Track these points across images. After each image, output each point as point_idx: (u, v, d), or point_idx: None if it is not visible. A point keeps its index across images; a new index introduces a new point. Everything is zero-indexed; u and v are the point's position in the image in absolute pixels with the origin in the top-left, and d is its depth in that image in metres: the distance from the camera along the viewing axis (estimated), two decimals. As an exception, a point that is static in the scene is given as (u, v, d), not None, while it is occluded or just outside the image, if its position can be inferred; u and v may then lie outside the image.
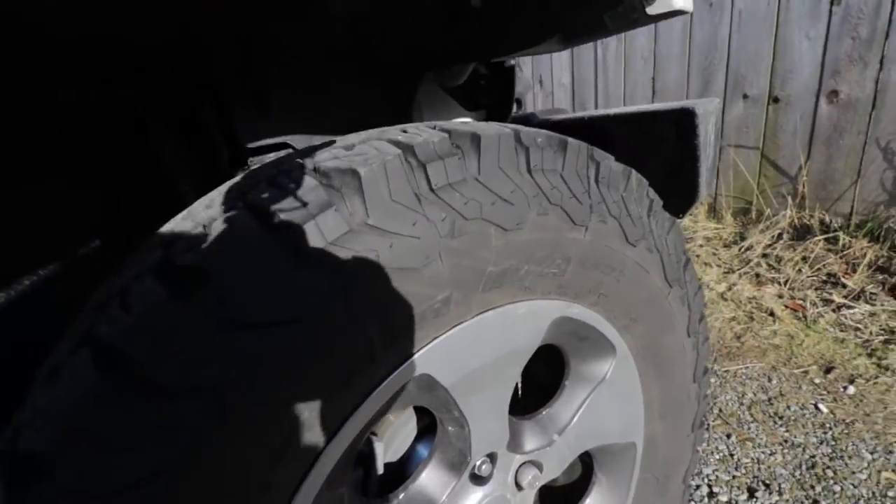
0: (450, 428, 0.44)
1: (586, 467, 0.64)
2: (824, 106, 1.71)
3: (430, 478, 0.45)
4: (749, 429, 1.08)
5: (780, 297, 1.59)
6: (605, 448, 0.59)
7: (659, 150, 0.70)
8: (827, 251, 1.70)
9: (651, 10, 0.58)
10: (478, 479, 0.48)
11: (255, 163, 0.68)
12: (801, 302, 1.53)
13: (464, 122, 0.43)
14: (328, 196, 0.29)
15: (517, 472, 0.52)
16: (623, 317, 0.52)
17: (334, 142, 0.41)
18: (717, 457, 1.02)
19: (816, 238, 1.73)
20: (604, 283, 0.48)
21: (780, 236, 1.85)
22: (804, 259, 1.70)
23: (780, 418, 1.10)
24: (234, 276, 0.26)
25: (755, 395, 1.18)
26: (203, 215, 0.30)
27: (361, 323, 0.30)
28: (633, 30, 0.62)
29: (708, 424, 1.11)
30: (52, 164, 0.57)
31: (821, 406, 1.12)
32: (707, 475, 0.98)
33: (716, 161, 0.70)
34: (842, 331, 1.37)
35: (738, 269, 1.79)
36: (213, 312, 0.25)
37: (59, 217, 0.59)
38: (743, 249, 1.89)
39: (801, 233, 1.82)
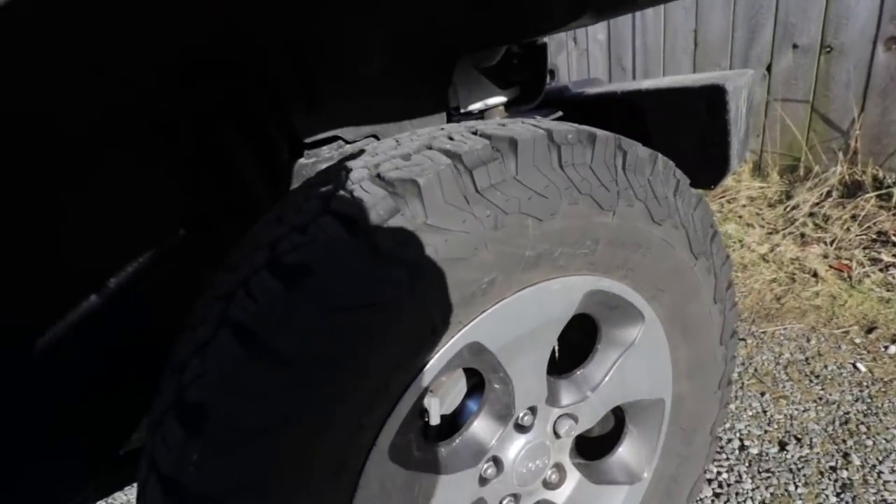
0: (496, 385, 0.52)
1: (619, 420, 0.71)
2: (881, 54, 1.60)
3: (480, 427, 0.53)
4: (784, 387, 1.12)
5: (826, 257, 1.56)
6: (635, 403, 0.66)
7: (690, 124, 0.72)
8: (879, 208, 1.64)
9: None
10: (521, 429, 0.56)
11: (311, 156, 0.75)
12: (847, 262, 1.50)
13: (502, 122, 0.48)
14: (395, 203, 0.36)
15: (555, 423, 0.59)
16: (650, 288, 0.57)
17: (391, 142, 0.48)
18: (750, 413, 1.07)
19: (868, 195, 1.66)
20: (631, 259, 0.53)
21: (828, 194, 1.79)
22: (853, 217, 1.65)
23: (817, 377, 1.13)
24: (329, 271, 0.33)
25: (792, 355, 1.21)
26: (295, 220, 0.38)
27: (425, 304, 0.38)
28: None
29: (742, 383, 1.15)
30: (148, 159, 0.66)
31: (859, 365, 1.13)
32: (739, 430, 1.03)
33: (749, 134, 0.70)
34: (888, 290, 1.35)
35: (783, 230, 1.76)
36: (315, 299, 0.33)
37: (156, 209, 0.69)
38: (788, 209, 1.84)
39: (851, 190, 1.75)
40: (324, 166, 0.67)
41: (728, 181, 2.16)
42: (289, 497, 0.36)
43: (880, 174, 1.71)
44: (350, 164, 0.44)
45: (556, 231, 0.44)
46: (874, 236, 1.58)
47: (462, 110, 0.94)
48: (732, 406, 1.10)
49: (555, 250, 0.46)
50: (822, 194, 1.80)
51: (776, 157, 2.01)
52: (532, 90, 1.00)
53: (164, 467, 0.34)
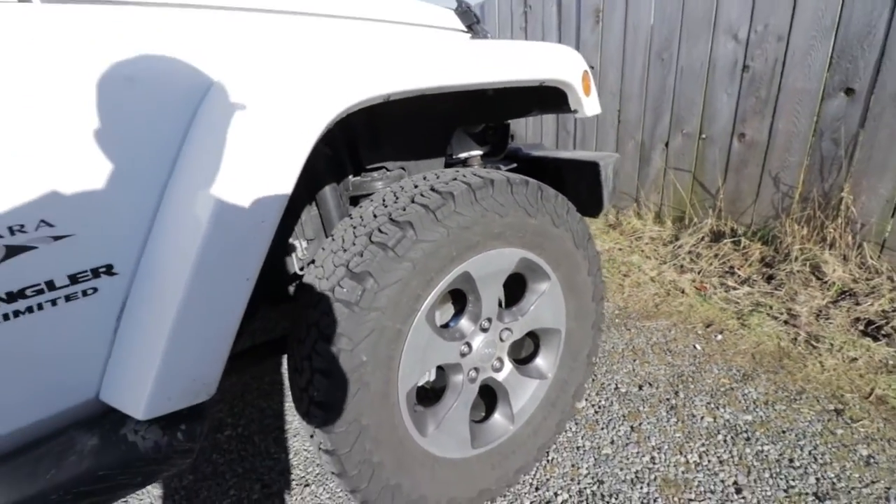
0: (472, 299, 1.02)
1: (536, 345, 1.23)
2: (736, 144, 2.32)
3: (464, 323, 1.03)
4: (647, 357, 1.69)
5: (693, 281, 2.20)
6: (545, 330, 1.18)
7: (583, 180, 1.29)
8: (733, 251, 2.32)
9: (581, 115, 1.16)
10: (483, 330, 1.06)
11: (367, 177, 1.24)
12: (705, 284, 2.14)
13: (488, 170, 1.00)
14: (403, 233, 0.85)
15: (500, 332, 1.10)
16: (553, 261, 1.10)
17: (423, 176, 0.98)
18: (624, 371, 1.62)
19: (726, 241, 2.34)
20: (544, 244, 1.06)
21: (702, 238, 2.47)
22: (716, 256, 2.32)
23: (670, 352, 1.71)
24: (378, 274, 0.82)
25: (657, 339, 1.79)
26: (355, 249, 0.86)
27: (451, 248, 0.88)
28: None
29: (623, 355, 1.71)
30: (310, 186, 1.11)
31: (696, 346, 1.73)
32: (616, 380, 1.58)
33: (615, 189, 1.24)
34: (727, 304, 1.98)
35: (670, 261, 2.41)
36: (369, 287, 0.82)
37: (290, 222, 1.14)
38: (675, 247, 2.50)
39: (717, 236, 2.44)
40: (370, 181, 1.16)
41: (637, 226, 2.83)
42: (380, 343, 0.83)
43: (736, 227, 2.40)
44: (375, 211, 0.92)
45: (507, 222, 0.96)
46: (727, 269, 2.24)
47: (454, 156, 1.47)
48: (614, 367, 1.65)
49: (506, 232, 0.97)
50: (698, 238, 2.48)
51: (670, 209, 2.70)
52: (499, 148, 1.55)
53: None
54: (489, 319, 1.06)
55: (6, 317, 0.64)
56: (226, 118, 0.71)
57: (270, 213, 0.71)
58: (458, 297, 1.11)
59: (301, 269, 1.19)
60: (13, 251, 0.63)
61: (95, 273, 0.70)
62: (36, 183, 0.63)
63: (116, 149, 0.68)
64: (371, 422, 0.85)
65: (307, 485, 1.26)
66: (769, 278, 2.09)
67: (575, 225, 1.12)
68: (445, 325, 1.07)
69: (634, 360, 1.67)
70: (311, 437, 0.87)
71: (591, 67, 2.90)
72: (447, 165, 1.43)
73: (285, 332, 1.07)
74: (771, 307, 1.87)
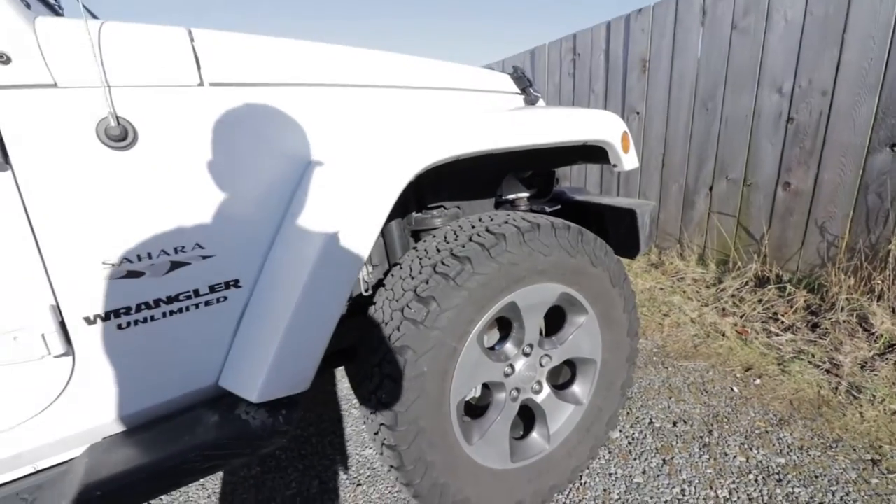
0: (517, 326, 1.17)
1: (573, 372, 1.34)
2: (780, 192, 2.37)
3: (509, 346, 1.17)
4: (684, 395, 1.74)
5: (735, 325, 2.23)
6: (582, 359, 1.30)
7: (622, 224, 1.42)
8: (778, 297, 2.33)
9: (620, 169, 1.31)
10: (525, 354, 1.20)
11: (428, 214, 1.42)
12: (747, 329, 2.16)
13: (535, 214, 1.16)
14: (462, 266, 1.01)
15: (540, 357, 1.23)
16: (591, 297, 1.23)
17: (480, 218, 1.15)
18: (660, 407, 1.68)
19: (771, 287, 2.36)
20: (582, 281, 1.20)
21: (746, 283, 2.49)
22: (759, 301, 2.33)
23: (706, 392, 1.76)
24: (440, 297, 0.98)
25: (694, 379, 1.84)
26: (421, 277, 1.03)
27: (503, 281, 1.03)
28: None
29: (659, 391, 1.77)
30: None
31: (734, 388, 1.77)
32: (651, 415, 1.65)
33: (652, 234, 1.36)
34: (767, 349, 2.00)
35: (712, 304, 2.44)
36: (433, 309, 0.98)
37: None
38: (718, 290, 2.53)
39: (761, 282, 2.45)
40: (430, 217, 1.34)
41: (680, 267, 2.87)
42: (438, 357, 0.99)
43: (781, 273, 2.41)
44: (438, 246, 1.09)
45: (551, 261, 1.11)
46: (770, 315, 2.25)
47: (503, 197, 1.64)
48: (649, 402, 1.71)
49: (549, 269, 1.12)
50: (742, 283, 2.50)
51: (714, 252, 2.73)
52: (544, 191, 1.70)
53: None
54: (531, 345, 1.20)
55: (164, 315, 0.86)
56: (333, 170, 0.91)
57: (365, 245, 0.90)
58: (504, 324, 1.25)
59: (366, 290, 1.38)
60: (176, 265, 0.85)
61: (227, 285, 0.91)
62: (196, 216, 0.85)
63: (250, 194, 0.90)
64: (427, 425, 1.00)
65: (359, 484, 1.41)
66: (814, 326, 2.09)
67: (612, 265, 1.25)
68: (492, 348, 1.22)
69: (670, 398, 1.73)
70: (376, 434, 1.03)
71: (637, 113, 3.04)
72: (497, 205, 1.61)
73: (341, 347, 1.24)
74: (813, 355, 1.88)
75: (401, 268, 1.09)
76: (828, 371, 1.78)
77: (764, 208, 2.45)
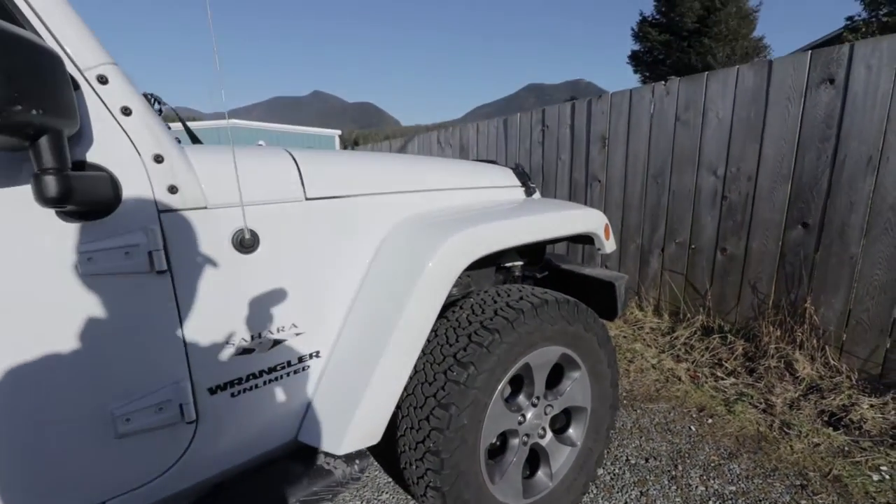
0: (527, 382, 1.43)
1: (568, 420, 1.60)
2: (719, 256, 2.82)
3: (521, 399, 1.42)
4: (651, 434, 2.04)
5: (688, 370, 2.59)
6: (576, 408, 1.57)
7: (602, 292, 1.74)
8: (720, 345, 2.73)
9: (602, 251, 1.64)
10: (534, 405, 1.45)
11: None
12: (698, 373, 2.53)
13: (543, 291, 1.45)
14: (507, 325, 1.29)
15: (545, 406, 1.49)
16: (584, 356, 1.52)
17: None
18: (633, 445, 1.97)
19: (715, 336, 2.76)
20: (578, 343, 1.48)
21: (695, 332, 2.89)
22: (707, 348, 2.72)
23: (670, 431, 2.07)
24: (477, 363, 1.25)
25: (659, 419, 2.16)
26: (487, 313, 1.30)
27: (521, 344, 1.30)
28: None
29: (631, 431, 2.06)
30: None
31: (692, 427, 2.09)
32: (627, 453, 1.93)
33: (627, 298, 1.70)
34: (716, 392, 2.36)
35: (668, 351, 2.81)
36: (471, 372, 1.24)
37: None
38: (672, 338, 2.92)
39: (707, 331, 2.86)
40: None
41: (639, 317, 3.26)
42: (475, 411, 1.23)
43: (723, 324, 2.83)
44: (469, 318, 1.36)
45: (556, 329, 1.39)
46: (716, 361, 2.64)
47: (502, 265, 1.93)
48: (625, 441, 2.00)
49: (554, 335, 1.40)
50: (691, 332, 2.90)
51: (667, 304, 3.15)
52: (536, 260, 2.01)
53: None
54: (538, 397, 1.46)
55: (264, 383, 1.06)
56: (404, 262, 1.17)
57: (429, 321, 1.15)
58: (516, 380, 1.51)
59: None
60: (276, 342, 1.06)
61: (310, 356, 1.12)
62: (295, 301, 1.07)
63: (332, 280, 1.14)
64: (465, 468, 1.22)
65: (384, 526, 1.58)
66: (751, 371, 2.48)
67: (599, 329, 1.55)
68: (506, 400, 1.47)
69: (641, 437, 2.02)
70: (420, 478, 1.24)
71: (599, 181, 3.49)
72: (497, 271, 1.89)
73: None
74: (752, 396, 2.25)
75: (436, 335, 1.33)
76: (764, 410, 2.15)
77: (706, 268, 2.89)
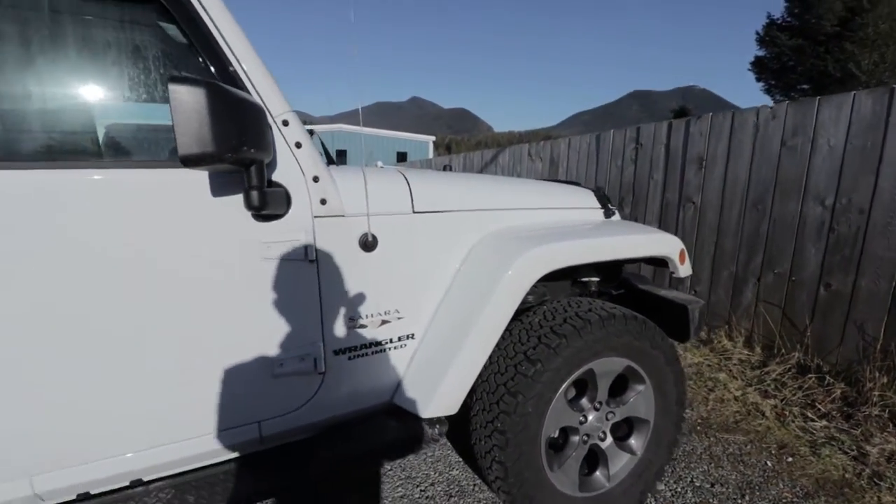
0: (591, 387, 1.57)
1: (630, 429, 1.71)
2: (822, 291, 2.66)
3: (584, 402, 1.58)
4: (722, 462, 2.04)
5: (775, 406, 2.49)
6: (639, 418, 1.67)
7: (676, 313, 1.82)
8: (816, 385, 2.57)
9: (677, 275, 1.74)
10: (596, 409, 1.59)
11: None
12: (785, 411, 2.42)
13: (612, 305, 1.59)
14: (574, 332, 1.45)
15: (606, 413, 1.62)
16: (649, 371, 1.62)
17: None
18: (700, 470, 2.00)
19: (811, 375, 2.61)
20: (643, 357, 1.60)
21: (789, 369, 2.74)
22: (800, 388, 2.58)
23: (742, 462, 2.05)
24: (545, 361, 1.43)
25: (733, 450, 2.13)
26: (556, 320, 1.48)
27: (589, 352, 1.46)
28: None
29: (700, 457, 2.08)
30: None
31: (768, 462, 2.05)
32: (692, 476, 1.96)
33: (700, 326, 1.75)
34: (802, 432, 2.26)
35: (755, 385, 2.70)
36: (538, 368, 1.42)
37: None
38: (762, 373, 2.79)
39: (802, 370, 2.70)
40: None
41: (727, 346, 3.15)
42: (539, 403, 1.42)
43: (822, 364, 2.66)
44: (540, 322, 1.53)
45: (621, 341, 1.52)
46: (809, 402, 2.50)
47: (578, 279, 2.07)
48: (692, 465, 2.03)
49: (620, 347, 1.53)
50: (784, 369, 2.75)
51: (760, 337, 3.01)
52: (612, 278, 2.13)
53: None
54: (600, 402, 1.60)
55: (372, 353, 1.35)
56: (489, 266, 1.40)
57: (505, 317, 1.37)
58: (580, 384, 1.66)
59: None
60: (384, 322, 1.35)
61: (408, 337, 1.40)
62: (401, 292, 1.35)
63: (430, 277, 1.40)
64: (526, 450, 1.41)
65: (451, 496, 1.82)
66: (847, 417, 2.32)
67: (667, 348, 1.65)
68: (570, 401, 1.63)
69: (710, 463, 2.04)
70: (488, 452, 1.45)
71: (693, 203, 3.44)
72: (573, 285, 2.04)
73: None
74: (843, 442, 2.13)
75: (510, 333, 1.54)
76: (855, 458, 2.03)
77: (807, 303, 2.73)
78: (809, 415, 2.38)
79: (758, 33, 21.68)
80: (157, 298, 1.06)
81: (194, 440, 1.14)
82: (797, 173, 2.76)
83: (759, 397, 2.58)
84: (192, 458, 1.16)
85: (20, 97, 1.05)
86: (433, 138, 23.48)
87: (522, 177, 6.20)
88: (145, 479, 1.14)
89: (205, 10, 1.06)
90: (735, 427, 2.33)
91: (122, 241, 1.03)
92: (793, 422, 2.34)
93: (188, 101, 0.87)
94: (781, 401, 2.52)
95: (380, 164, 2.45)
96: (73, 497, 1.08)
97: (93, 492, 1.10)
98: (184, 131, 0.87)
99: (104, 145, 1.27)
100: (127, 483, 1.13)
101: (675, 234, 3.62)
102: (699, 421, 2.39)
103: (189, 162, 0.89)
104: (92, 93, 1.14)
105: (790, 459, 2.06)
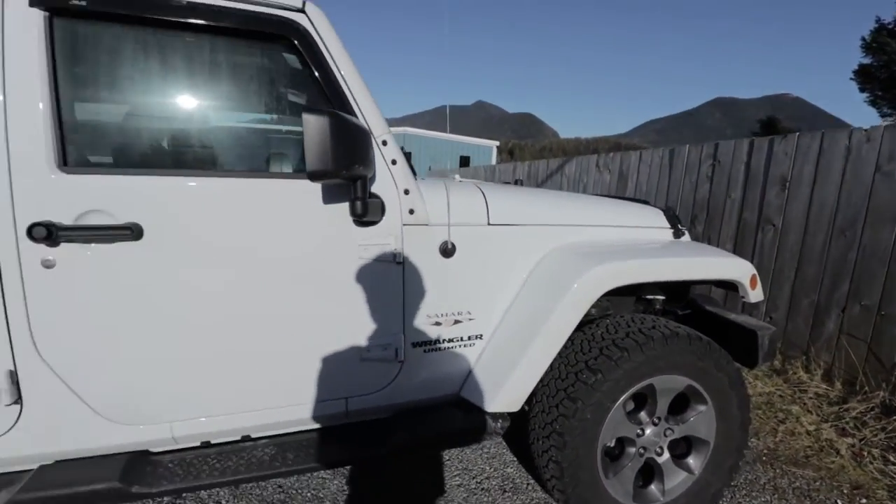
0: (650, 402, 1.62)
1: (689, 447, 1.72)
2: (917, 327, 2.47)
3: (642, 415, 1.62)
4: (786, 495, 1.98)
5: (852, 445, 2.35)
6: (698, 438, 1.68)
7: (744, 337, 1.81)
8: (905, 429, 2.39)
9: (747, 300, 1.73)
10: (654, 424, 1.64)
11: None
12: (864, 451, 2.28)
13: (676, 324, 1.62)
14: (636, 347, 1.50)
15: (664, 429, 1.65)
16: (711, 391, 1.64)
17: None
18: (761, 500, 1.95)
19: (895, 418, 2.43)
20: (705, 378, 1.61)
21: (871, 409, 2.56)
22: (883, 429, 2.41)
23: (809, 498, 1.97)
24: (605, 372, 1.49)
25: (800, 484, 2.06)
26: (619, 335, 1.55)
27: (650, 367, 1.51)
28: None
29: (764, 489, 2.03)
30: None
31: (839, 501, 1.96)
32: (753, 504, 1.92)
33: (771, 353, 1.70)
34: (881, 475, 2.13)
35: (831, 421, 2.56)
36: (598, 377, 1.48)
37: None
38: (841, 409, 2.63)
39: (887, 411, 2.52)
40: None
41: (803, 378, 2.98)
42: (597, 411, 1.49)
43: (912, 407, 2.46)
44: (602, 335, 1.59)
45: (684, 360, 1.56)
46: (892, 444, 2.33)
47: (643, 297, 2.10)
48: (753, 493, 1.99)
49: (682, 366, 1.57)
50: (867, 407, 2.58)
51: (840, 372, 2.83)
52: (680, 298, 2.14)
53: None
54: (659, 418, 1.64)
55: (445, 349, 1.49)
56: (558, 276, 1.50)
57: (569, 326, 1.46)
58: (640, 398, 1.71)
59: None
60: (457, 322, 1.49)
61: (477, 337, 1.53)
62: (474, 296, 1.49)
63: (501, 284, 1.53)
64: (582, 454, 1.49)
65: (505, 491, 1.92)
66: (941, 466, 2.15)
67: (732, 372, 1.65)
68: (629, 413, 1.68)
69: (773, 494, 1.98)
70: (545, 452, 1.55)
71: (773, 225, 3.30)
72: (637, 301, 2.08)
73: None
74: (931, 491, 1.98)
75: (573, 343, 1.62)
76: (943, 509, 1.88)
77: (898, 340, 2.54)
78: (891, 458, 2.22)
79: (864, 39, 19.65)
80: (281, 288, 1.28)
81: (294, 407, 1.35)
82: (893, 200, 2.58)
83: (835, 434, 2.44)
84: (292, 422, 1.37)
85: (211, 122, 1.34)
86: (497, 143, 23.57)
87: (589, 189, 6.16)
88: (253, 435, 1.36)
89: (330, 54, 1.26)
90: (805, 462, 2.23)
91: (261, 236, 1.25)
92: (871, 463, 2.20)
93: (316, 128, 1.06)
94: (860, 440, 2.37)
95: (457, 177, 2.62)
96: (198, 444, 1.32)
97: (213, 441, 1.33)
98: (312, 151, 1.06)
99: (253, 158, 1.53)
100: (239, 437, 1.35)
101: (753, 255, 3.48)
102: (765, 451, 2.31)
103: (314, 176, 1.09)
104: (244, 117, 1.41)
105: (864, 501, 1.96)
